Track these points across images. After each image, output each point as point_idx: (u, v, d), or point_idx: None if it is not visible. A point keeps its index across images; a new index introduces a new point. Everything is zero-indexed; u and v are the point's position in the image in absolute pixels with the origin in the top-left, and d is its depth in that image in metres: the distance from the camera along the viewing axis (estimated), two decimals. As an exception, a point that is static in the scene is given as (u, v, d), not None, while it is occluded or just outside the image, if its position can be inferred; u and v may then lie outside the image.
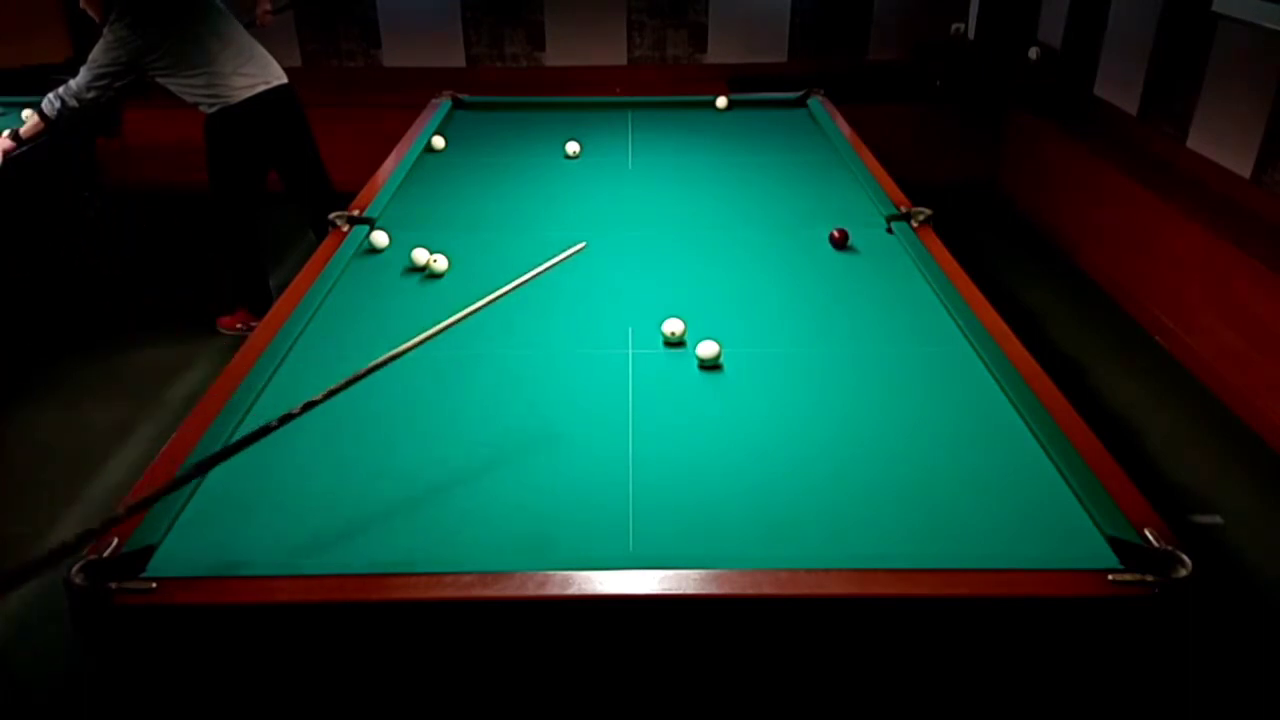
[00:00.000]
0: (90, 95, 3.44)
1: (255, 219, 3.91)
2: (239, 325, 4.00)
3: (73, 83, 3.45)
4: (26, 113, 4.12)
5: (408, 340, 1.68)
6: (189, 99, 3.64)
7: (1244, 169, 3.73)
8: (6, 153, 3.51)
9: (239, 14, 3.84)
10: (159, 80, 3.60)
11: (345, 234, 2.74)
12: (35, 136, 3.55)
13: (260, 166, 3.84)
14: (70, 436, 3.30)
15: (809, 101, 4.14)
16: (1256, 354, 3.35)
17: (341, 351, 2.16)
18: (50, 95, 3.47)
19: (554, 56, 5.84)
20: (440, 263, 2.54)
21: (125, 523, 1.51)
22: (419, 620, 1.44)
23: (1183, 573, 1.40)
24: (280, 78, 3.79)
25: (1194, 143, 4.07)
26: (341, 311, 2.35)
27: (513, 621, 1.45)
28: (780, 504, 1.65)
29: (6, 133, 3.55)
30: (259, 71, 3.71)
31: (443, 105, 4.05)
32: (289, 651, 1.48)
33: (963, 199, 3.80)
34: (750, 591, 1.41)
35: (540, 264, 1.85)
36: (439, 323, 1.72)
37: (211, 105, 3.63)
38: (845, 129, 3.75)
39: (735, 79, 5.43)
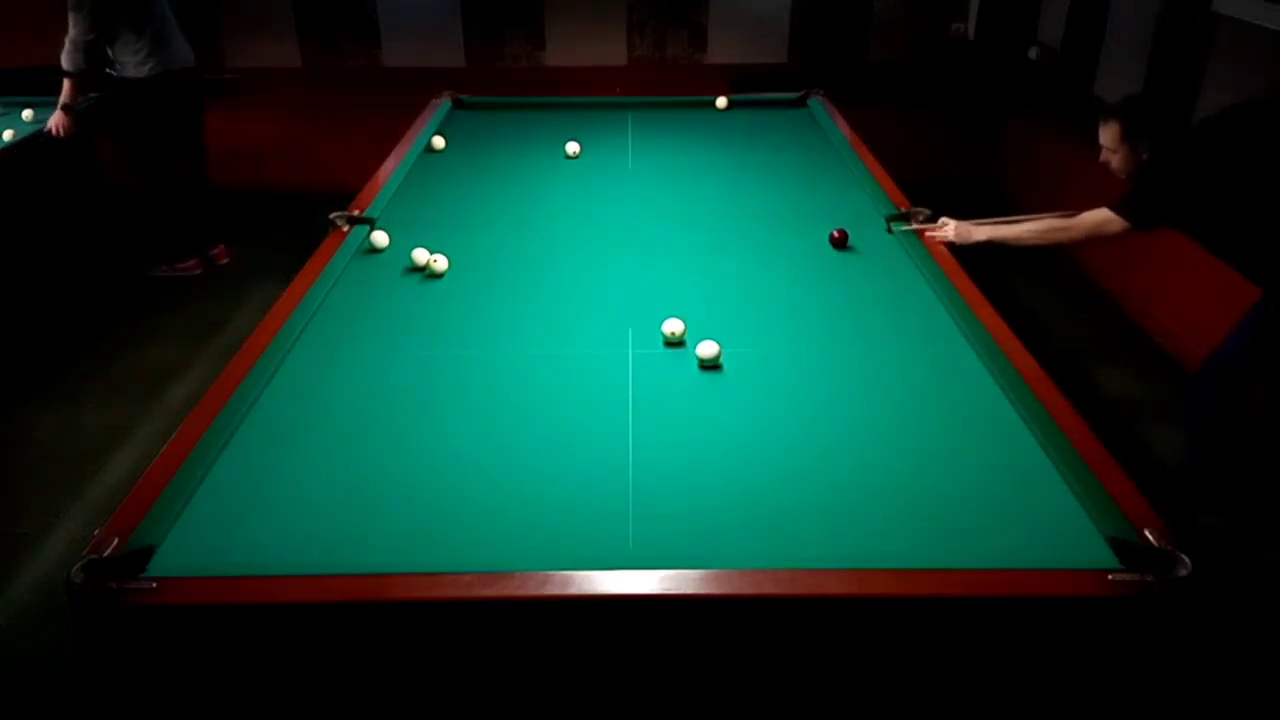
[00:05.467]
0: (84, 33, 3.81)
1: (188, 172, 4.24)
2: (180, 269, 4.37)
3: (68, 38, 3.81)
4: (27, 113, 4.13)
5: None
6: (127, 60, 3.94)
7: (1243, 169, 3.72)
8: (68, 126, 3.97)
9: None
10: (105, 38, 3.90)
11: (345, 234, 2.74)
12: (74, 95, 3.95)
13: (179, 130, 4.19)
14: (70, 437, 3.30)
15: (809, 101, 4.14)
16: (1256, 354, 3.34)
17: (341, 351, 2.17)
18: (62, 57, 3.82)
19: (554, 56, 5.84)
20: (440, 263, 2.54)
21: (127, 522, 1.52)
22: (419, 620, 1.45)
23: (1182, 572, 1.40)
24: (192, 61, 4.21)
25: (1194, 143, 4.07)
26: (341, 311, 2.35)
27: (513, 621, 1.45)
28: (779, 503, 1.65)
29: (57, 113, 3.95)
30: (183, 50, 4.15)
31: (442, 105, 4.05)
32: (290, 651, 1.48)
33: (962, 199, 3.79)
34: (750, 591, 1.41)
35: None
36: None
37: (146, 69, 3.94)
38: (845, 129, 3.75)
39: (735, 79, 5.43)
